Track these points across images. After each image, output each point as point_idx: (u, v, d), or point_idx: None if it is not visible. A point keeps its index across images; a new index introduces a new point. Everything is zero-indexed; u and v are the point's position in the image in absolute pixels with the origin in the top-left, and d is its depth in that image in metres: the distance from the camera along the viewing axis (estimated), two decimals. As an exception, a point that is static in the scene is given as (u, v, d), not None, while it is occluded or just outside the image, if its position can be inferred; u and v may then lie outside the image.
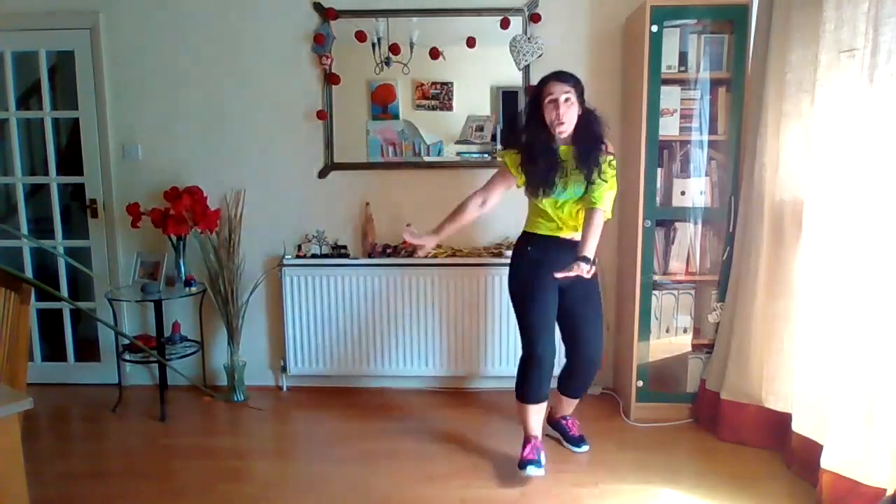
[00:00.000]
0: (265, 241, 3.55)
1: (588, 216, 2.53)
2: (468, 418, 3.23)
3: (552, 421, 3.00)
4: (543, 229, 2.66)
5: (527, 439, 2.69)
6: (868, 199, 2.20)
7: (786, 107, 2.65)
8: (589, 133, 2.54)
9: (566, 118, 2.50)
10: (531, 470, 2.56)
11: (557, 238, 2.65)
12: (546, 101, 2.51)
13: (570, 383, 2.86)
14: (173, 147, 3.53)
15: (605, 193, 2.53)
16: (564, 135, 2.54)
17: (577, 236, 2.60)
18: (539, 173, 2.55)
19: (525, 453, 2.63)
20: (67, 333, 3.71)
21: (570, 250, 2.51)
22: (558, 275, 2.40)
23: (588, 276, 2.41)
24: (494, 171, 3.30)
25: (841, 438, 2.28)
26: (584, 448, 2.91)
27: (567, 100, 2.49)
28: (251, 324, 3.57)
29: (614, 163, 2.60)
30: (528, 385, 2.67)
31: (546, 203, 2.60)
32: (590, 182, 2.51)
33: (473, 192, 2.75)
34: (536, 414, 2.71)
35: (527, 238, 2.74)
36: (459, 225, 2.76)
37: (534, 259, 2.67)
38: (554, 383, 2.79)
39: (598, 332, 2.77)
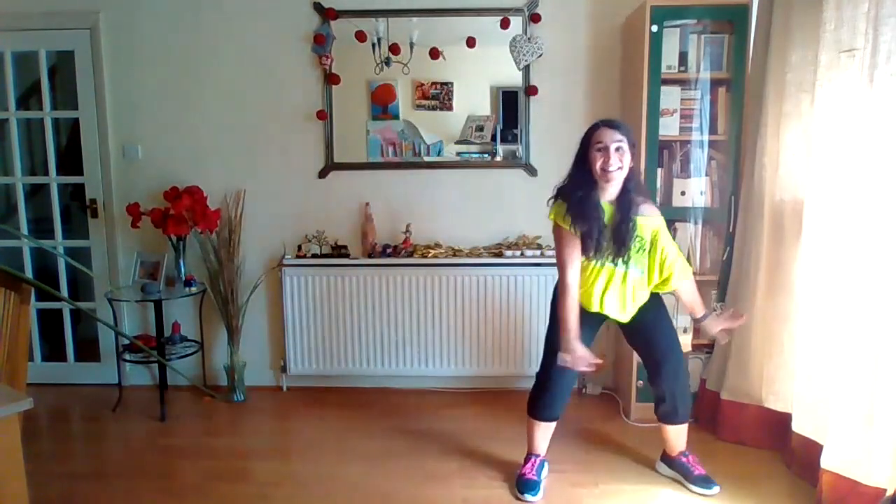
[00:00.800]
0: (265, 241, 3.55)
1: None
2: (469, 418, 3.23)
3: (669, 459, 2.69)
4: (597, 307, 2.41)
5: (528, 457, 2.63)
6: (868, 199, 2.20)
7: (786, 107, 2.65)
8: (629, 202, 2.34)
9: (616, 164, 2.29)
10: (527, 497, 2.50)
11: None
12: (594, 149, 2.31)
13: (665, 407, 2.59)
14: (173, 147, 3.53)
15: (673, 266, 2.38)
16: (614, 184, 2.33)
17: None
18: (591, 229, 2.31)
19: (524, 470, 2.59)
20: (67, 333, 3.71)
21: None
22: None
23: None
24: (495, 169, 3.32)
25: (841, 438, 2.28)
26: (714, 489, 2.53)
27: (618, 149, 2.29)
28: (251, 324, 3.57)
29: (665, 231, 2.40)
30: (540, 401, 2.56)
31: (597, 271, 2.37)
32: (620, 258, 2.33)
33: (569, 281, 2.36)
34: (545, 432, 2.62)
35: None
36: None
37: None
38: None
39: (675, 342, 2.55)
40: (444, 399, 3.45)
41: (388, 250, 3.45)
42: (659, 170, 3.08)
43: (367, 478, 2.70)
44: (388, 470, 2.76)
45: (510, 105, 3.39)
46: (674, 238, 3.13)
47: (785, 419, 2.68)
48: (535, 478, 2.56)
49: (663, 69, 2.98)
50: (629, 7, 3.20)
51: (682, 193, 3.11)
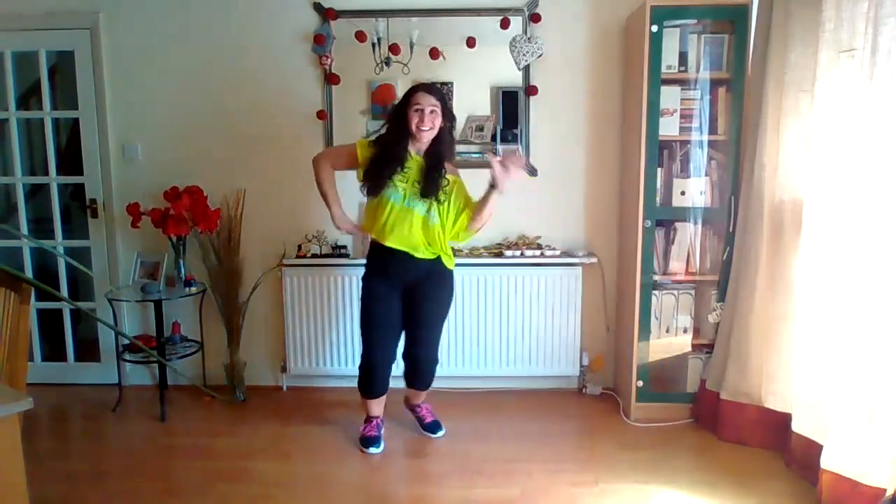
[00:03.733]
0: (265, 241, 3.55)
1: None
2: (468, 418, 3.23)
3: (408, 406, 3.16)
4: (391, 241, 2.71)
5: (367, 420, 2.98)
6: (868, 199, 2.20)
7: (785, 106, 2.65)
8: (436, 154, 2.70)
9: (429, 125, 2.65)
10: (372, 450, 2.88)
11: (407, 255, 2.72)
12: (412, 109, 2.65)
13: (410, 380, 2.99)
14: (173, 147, 3.53)
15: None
16: (424, 142, 2.69)
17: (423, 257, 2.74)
18: (380, 167, 2.69)
19: (365, 430, 2.95)
20: (67, 333, 3.71)
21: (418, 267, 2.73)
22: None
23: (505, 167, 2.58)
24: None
25: (841, 438, 2.28)
26: (440, 433, 3.02)
27: (433, 112, 2.65)
28: (251, 324, 3.57)
29: (464, 187, 2.75)
30: (367, 384, 2.89)
31: (387, 206, 2.68)
32: (434, 200, 2.67)
33: (321, 158, 2.83)
34: (377, 403, 2.96)
35: (374, 248, 2.83)
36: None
37: (376, 269, 2.83)
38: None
39: (433, 335, 2.89)
40: (443, 399, 3.44)
41: (388, 250, 3.45)
42: (659, 170, 3.08)
43: (367, 478, 2.70)
44: (388, 470, 2.76)
45: (510, 105, 3.39)
46: (673, 238, 3.16)
47: (785, 419, 2.68)
48: (375, 433, 2.93)
49: (663, 69, 2.98)
50: (629, 7, 3.20)
51: (682, 193, 3.11)
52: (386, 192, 2.68)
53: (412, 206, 2.68)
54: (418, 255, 2.72)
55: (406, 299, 2.82)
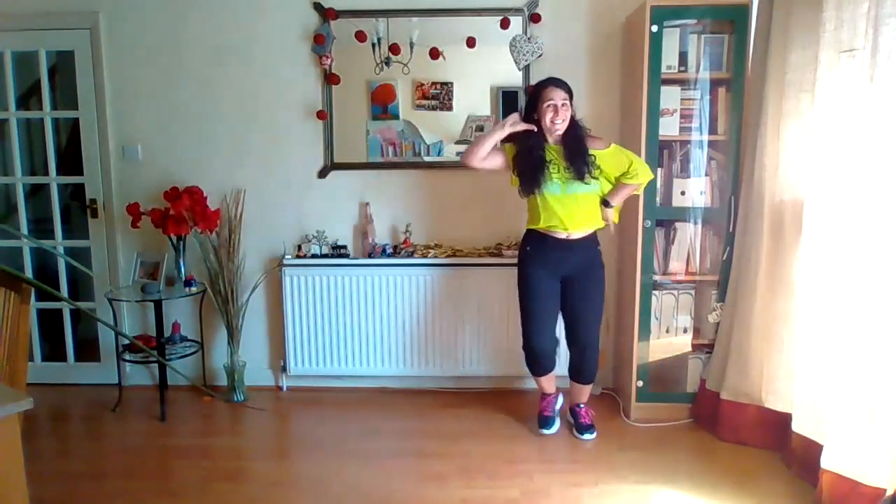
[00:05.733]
0: (265, 241, 3.55)
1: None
2: (468, 418, 3.23)
3: (570, 407, 3.16)
4: (543, 223, 2.85)
5: (542, 397, 3.14)
6: (868, 199, 2.20)
7: (786, 107, 2.65)
8: (577, 138, 2.79)
9: (563, 119, 2.76)
10: (544, 431, 3.05)
11: (561, 239, 2.85)
12: (545, 105, 2.74)
13: (574, 369, 3.09)
14: (173, 147, 3.53)
15: (637, 168, 2.79)
16: (559, 133, 2.77)
17: (583, 234, 2.87)
18: (529, 170, 2.79)
19: (541, 407, 3.11)
20: (67, 333, 3.71)
21: (578, 247, 2.86)
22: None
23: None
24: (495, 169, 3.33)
25: (841, 438, 2.28)
26: (587, 436, 3.02)
27: (564, 105, 2.74)
28: (251, 324, 3.57)
29: (618, 151, 2.81)
30: (530, 365, 3.08)
31: (549, 199, 2.80)
32: (584, 182, 2.77)
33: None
34: (545, 381, 3.10)
35: (527, 235, 2.97)
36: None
37: (534, 256, 2.93)
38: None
39: (593, 322, 2.99)
40: (443, 399, 3.45)
41: (388, 250, 3.46)
42: (659, 170, 3.08)
43: (367, 478, 2.70)
44: (388, 470, 2.76)
45: (510, 105, 3.39)
46: (673, 238, 3.15)
47: (785, 419, 2.68)
48: (550, 413, 3.09)
49: (663, 69, 2.98)
50: (629, 7, 3.20)
51: (682, 193, 3.11)
52: (544, 188, 2.78)
53: (574, 191, 2.77)
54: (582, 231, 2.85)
55: (564, 287, 2.94)
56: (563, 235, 2.84)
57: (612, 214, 2.92)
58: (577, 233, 2.84)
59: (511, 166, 2.85)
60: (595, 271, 2.96)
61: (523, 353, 3.04)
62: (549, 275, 2.91)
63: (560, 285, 2.94)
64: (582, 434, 3.03)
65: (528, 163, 2.79)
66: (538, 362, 3.03)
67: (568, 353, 3.08)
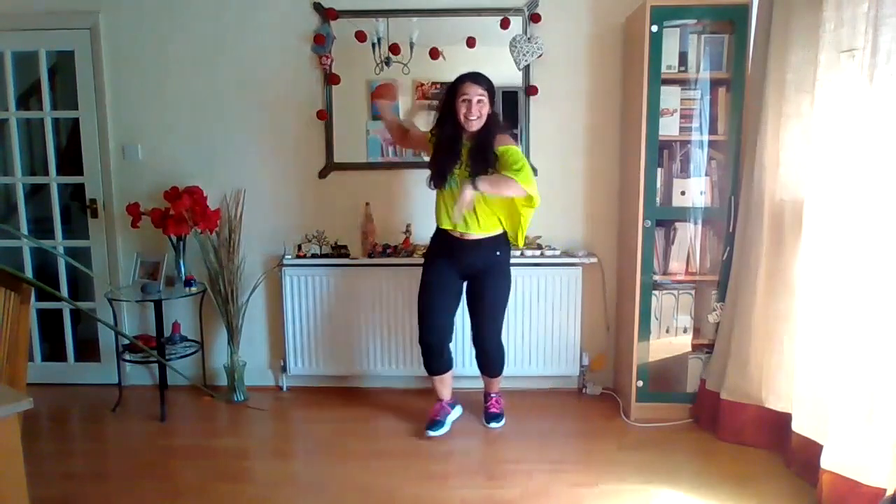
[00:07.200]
0: (265, 241, 3.55)
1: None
2: (468, 418, 3.23)
3: (484, 395, 3.23)
4: (447, 224, 2.87)
5: (437, 401, 3.14)
6: (868, 199, 2.20)
7: (786, 107, 2.65)
8: (485, 138, 2.76)
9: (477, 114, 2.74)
10: (430, 433, 2.99)
11: (457, 238, 2.86)
12: (459, 99, 2.74)
13: (480, 362, 3.13)
14: (173, 147, 3.53)
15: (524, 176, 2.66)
16: (473, 130, 2.76)
17: (484, 236, 2.84)
18: (439, 161, 2.82)
19: (433, 412, 3.09)
20: (67, 333, 3.71)
21: (476, 249, 2.85)
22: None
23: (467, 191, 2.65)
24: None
25: (841, 438, 2.28)
26: (494, 424, 3.10)
27: (480, 101, 2.74)
28: (251, 324, 3.57)
29: (515, 152, 2.72)
30: (425, 361, 3.07)
31: (447, 196, 2.83)
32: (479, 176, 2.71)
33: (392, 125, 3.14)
34: (440, 383, 3.10)
35: (435, 231, 2.98)
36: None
37: (435, 252, 2.99)
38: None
39: (490, 323, 3.00)
40: (444, 399, 3.45)
41: (388, 250, 3.46)
42: (659, 170, 3.08)
43: (367, 478, 2.70)
44: (388, 470, 2.76)
45: (510, 105, 3.39)
46: (673, 238, 3.15)
47: (785, 419, 2.68)
48: (439, 418, 3.06)
49: (663, 69, 2.98)
50: (629, 7, 3.20)
51: (682, 193, 3.11)
52: (448, 184, 2.80)
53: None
54: (476, 233, 2.82)
55: (469, 286, 2.96)
56: (456, 235, 2.85)
57: (469, 195, 2.67)
58: (472, 234, 2.83)
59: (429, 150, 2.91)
60: (495, 275, 2.92)
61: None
62: (451, 272, 2.92)
63: (465, 283, 2.97)
64: (489, 423, 3.10)
65: (441, 155, 2.81)
66: (431, 358, 3.02)
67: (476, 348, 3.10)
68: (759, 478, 2.65)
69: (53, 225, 3.61)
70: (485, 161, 2.72)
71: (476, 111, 2.72)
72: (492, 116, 2.79)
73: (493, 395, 3.19)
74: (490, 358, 3.07)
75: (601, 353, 3.56)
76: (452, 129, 2.79)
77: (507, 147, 2.73)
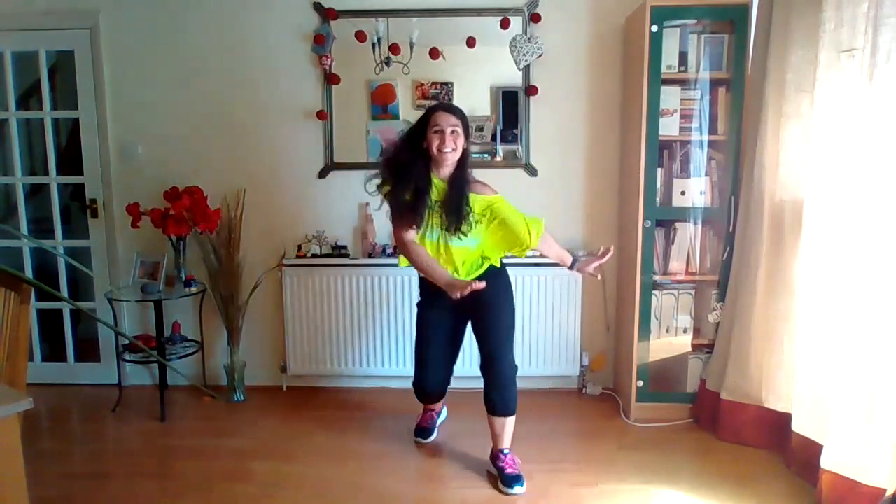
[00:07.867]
0: (265, 241, 3.55)
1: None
2: (468, 418, 3.23)
3: (492, 456, 2.72)
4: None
5: (424, 410, 3.05)
6: (868, 199, 2.20)
7: (786, 107, 2.65)
8: (460, 182, 2.50)
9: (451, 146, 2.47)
10: (419, 440, 2.97)
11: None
12: (432, 130, 2.46)
13: (489, 397, 2.67)
14: (173, 147, 3.53)
15: (525, 232, 2.47)
16: (447, 168, 2.50)
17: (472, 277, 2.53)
18: (411, 205, 2.47)
19: (421, 420, 3.03)
20: (67, 333, 3.71)
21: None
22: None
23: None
24: (495, 169, 3.33)
25: (841, 438, 2.28)
26: (518, 489, 2.54)
27: (454, 132, 2.47)
28: (251, 324, 3.57)
29: (506, 205, 2.51)
30: (418, 397, 2.95)
31: (428, 246, 2.54)
32: (454, 232, 2.45)
33: (406, 239, 2.55)
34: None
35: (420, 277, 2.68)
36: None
37: (426, 300, 2.77)
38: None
39: (501, 345, 2.66)
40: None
41: (388, 250, 3.45)
42: (659, 170, 3.08)
43: (367, 478, 2.70)
44: (388, 470, 2.76)
45: (510, 105, 3.39)
46: (673, 238, 3.15)
47: (785, 419, 2.68)
48: (428, 426, 3.01)
49: (663, 69, 2.98)
50: (629, 7, 3.20)
51: (682, 193, 3.11)
52: (426, 229, 2.51)
53: (449, 242, 2.51)
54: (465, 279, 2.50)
55: (471, 319, 2.70)
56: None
57: (590, 267, 2.62)
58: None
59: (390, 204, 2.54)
60: (495, 298, 2.61)
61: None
62: (448, 317, 2.69)
63: (463, 319, 2.72)
64: (511, 487, 2.53)
65: (406, 193, 2.47)
66: (427, 399, 2.95)
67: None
68: (759, 478, 2.65)
69: (53, 225, 3.61)
70: (459, 212, 2.44)
71: (451, 143, 2.44)
72: (466, 154, 2.54)
73: (505, 451, 2.67)
74: (503, 382, 2.62)
75: (601, 353, 3.56)
76: (422, 168, 2.48)
77: (495, 198, 2.51)
